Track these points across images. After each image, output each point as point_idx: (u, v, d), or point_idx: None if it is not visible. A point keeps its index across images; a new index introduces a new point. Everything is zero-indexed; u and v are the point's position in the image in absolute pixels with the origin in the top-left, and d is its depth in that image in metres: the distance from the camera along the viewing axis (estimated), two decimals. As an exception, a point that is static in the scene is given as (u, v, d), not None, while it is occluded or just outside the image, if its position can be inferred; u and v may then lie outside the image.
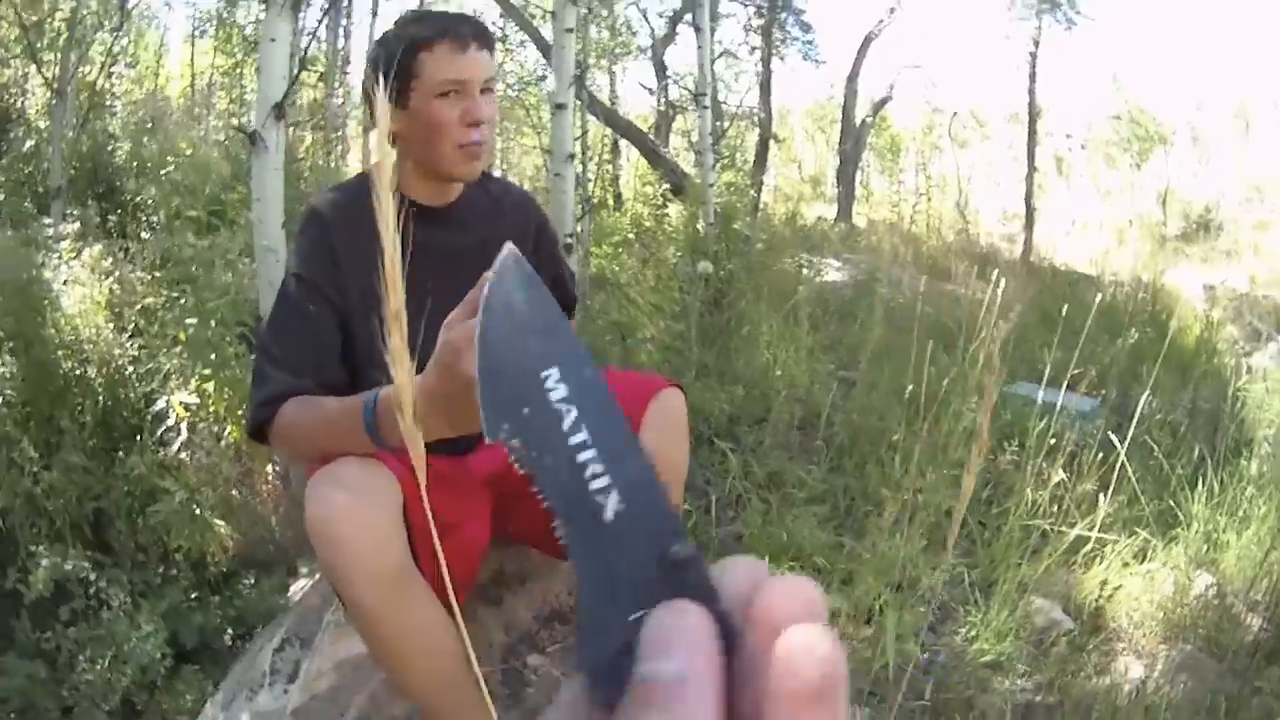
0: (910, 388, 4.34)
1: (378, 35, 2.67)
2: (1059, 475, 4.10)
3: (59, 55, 10.24)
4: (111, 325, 5.08)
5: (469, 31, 2.33)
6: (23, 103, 11.54)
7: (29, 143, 10.45)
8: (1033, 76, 18.41)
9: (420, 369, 1.69)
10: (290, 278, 2.32)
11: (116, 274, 5.56)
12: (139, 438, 4.35)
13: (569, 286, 2.92)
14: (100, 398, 4.70)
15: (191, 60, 18.69)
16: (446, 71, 2.30)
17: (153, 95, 16.73)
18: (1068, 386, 4.76)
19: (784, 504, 4.14)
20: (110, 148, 10.70)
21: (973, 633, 3.43)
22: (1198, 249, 22.35)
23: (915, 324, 6.48)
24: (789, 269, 8.78)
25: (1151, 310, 9.69)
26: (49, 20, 10.59)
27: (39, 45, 10.29)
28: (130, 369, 4.77)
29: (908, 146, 33.34)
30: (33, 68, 10.03)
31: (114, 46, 12.45)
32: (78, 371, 4.79)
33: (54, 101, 9.39)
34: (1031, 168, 18.56)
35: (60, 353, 4.82)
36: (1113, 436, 4.21)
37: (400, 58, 2.29)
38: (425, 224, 2.32)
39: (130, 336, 4.98)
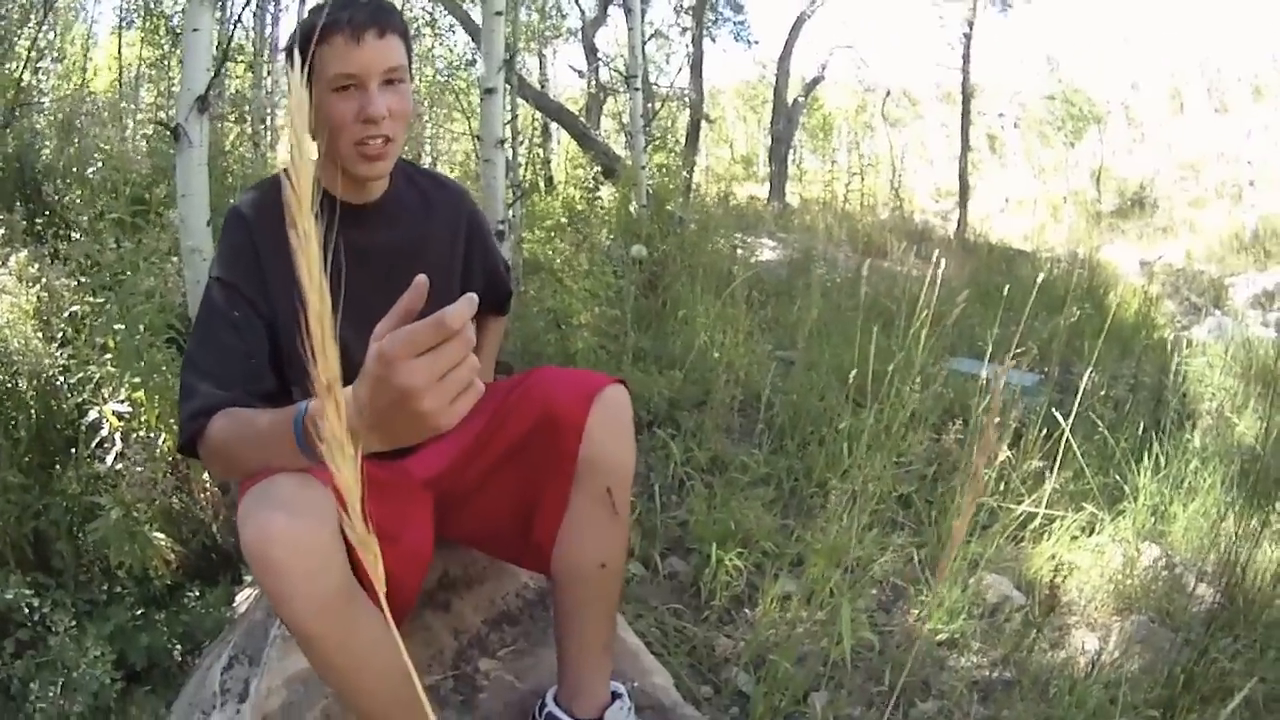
0: (854, 371, 4.28)
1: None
2: (1005, 452, 4.06)
3: None
4: (40, 334, 4.93)
5: (364, 19, 2.14)
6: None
7: None
8: (966, 57, 18.62)
9: (349, 377, 1.60)
10: (213, 282, 2.20)
11: (43, 280, 5.41)
12: (74, 451, 4.22)
13: (504, 278, 2.87)
14: (33, 411, 4.55)
15: (119, 53, 18.41)
16: (340, 65, 2.13)
17: (79, 90, 16.49)
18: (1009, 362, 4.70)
19: (728, 488, 4.06)
20: (36, 147, 10.42)
21: (925, 612, 3.38)
22: (1133, 225, 22.74)
23: (854, 302, 6.50)
24: (723, 250, 8.71)
25: (1089, 286, 9.74)
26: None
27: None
28: (61, 379, 4.60)
29: (840, 126, 33.64)
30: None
31: (39, 41, 12.28)
32: (9, 385, 4.66)
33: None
34: (965, 145, 18.73)
35: (-11, 366, 4.68)
36: (1056, 413, 4.16)
37: (300, 47, 2.12)
38: (350, 223, 2.27)
39: (59, 345, 4.81)
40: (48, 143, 10.84)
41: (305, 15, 2.34)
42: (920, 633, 3.29)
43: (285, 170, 1.49)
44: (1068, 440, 4.06)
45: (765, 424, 4.74)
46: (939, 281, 4.33)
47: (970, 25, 18.60)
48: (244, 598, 3.43)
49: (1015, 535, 3.94)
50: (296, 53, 2.00)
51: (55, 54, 15.30)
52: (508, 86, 7.27)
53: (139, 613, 3.73)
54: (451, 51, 16.20)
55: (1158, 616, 3.51)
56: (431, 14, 15.92)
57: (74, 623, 3.55)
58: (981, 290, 8.10)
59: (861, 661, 3.13)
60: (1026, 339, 4.78)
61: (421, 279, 1.54)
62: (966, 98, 19.03)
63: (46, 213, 8.54)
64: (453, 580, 2.81)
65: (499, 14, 5.43)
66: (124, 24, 18.07)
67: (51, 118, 11.88)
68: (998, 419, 4.19)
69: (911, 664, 3.12)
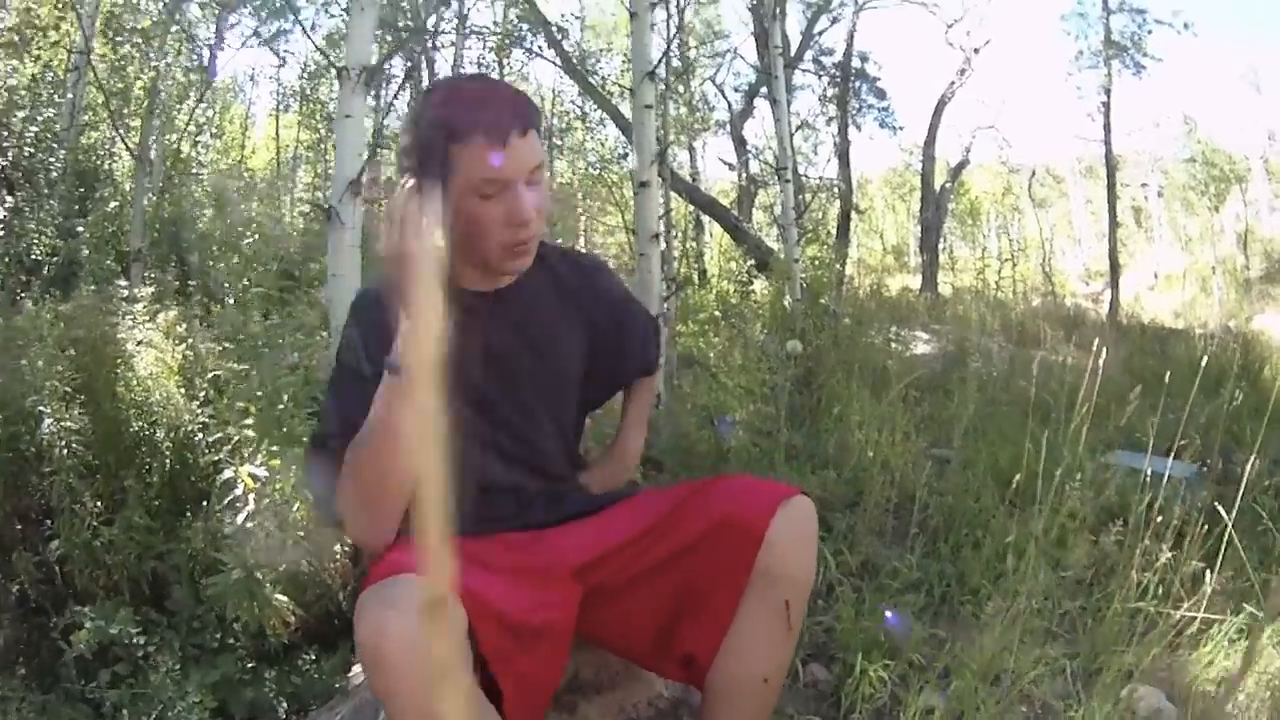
0: (1012, 471, 4.19)
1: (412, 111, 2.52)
2: (1166, 554, 3.94)
3: (142, 121, 10.58)
4: (182, 391, 5.17)
5: (508, 121, 2.08)
6: (110, 165, 11.79)
7: (113, 203, 10.69)
8: (1107, 127, 18.27)
9: (470, 463, 1.71)
10: (337, 364, 2.37)
11: (190, 341, 5.62)
12: (205, 504, 4.37)
13: (647, 336, 2.81)
14: (168, 461, 4.78)
15: (276, 134, 19.12)
16: (484, 171, 2.07)
17: (236, 166, 17.03)
18: (1169, 453, 4.57)
19: (877, 593, 4.04)
20: (192, 215, 11.10)
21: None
22: None
23: (1010, 396, 6.41)
24: (878, 344, 8.67)
25: (1244, 362, 9.43)
26: (131, 87, 10.88)
27: (125, 111, 10.72)
28: (200, 436, 4.83)
29: (987, 210, 33.21)
30: (118, 133, 10.23)
31: (198, 116, 12.81)
32: (146, 432, 4.88)
33: (137, 166, 9.65)
34: (1113, 221, 18.34)
35: (130, 412, 4.93)
36: (1219, 506, 3.98)
37: (436, 144, 2.07)
38: (479, 311, 2.31)
39: (201, 404, 5.03)
40: (204, 212, 11.41)
41: (418, 106, 2.26)
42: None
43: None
44: (1229, 537, 3.86)
45: (919, 526, 4.62)
46: (1098, 371, 4.23)
47: (1107, 93, 18.31)
48: (359, 670, 3.36)
49: (1172, 643, 3.74)
50: (416, 153, 2.10)
51: (213, 129, 15.93)
52: (661, 180, 7.36)
53: (249, 666, 3.89)
54: (603, 145, 16.42)
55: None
56: (582, 108, 16.14)
57: (179, 666, 3.70)
58: (1137, 376, 7.93)
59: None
60: (1186, 427, 4.60)
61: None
62: (1111, 170, 18.68)
63: (200, 276, 8.90)
64: (582, 684, 2.73)
65: (649, 107, 5.57)
66: (281, 107, 18.66)
67: (207, 190, 12.53)
68: (1159, 517, 4.05)
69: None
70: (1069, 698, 3.46)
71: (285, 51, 17.75)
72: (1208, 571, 3.87)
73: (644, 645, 2.42)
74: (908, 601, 4.02)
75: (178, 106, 12.27)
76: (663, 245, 6.58)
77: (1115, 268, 18.12)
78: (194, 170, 12.64)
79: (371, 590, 1.89)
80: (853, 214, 19.32)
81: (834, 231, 17.85)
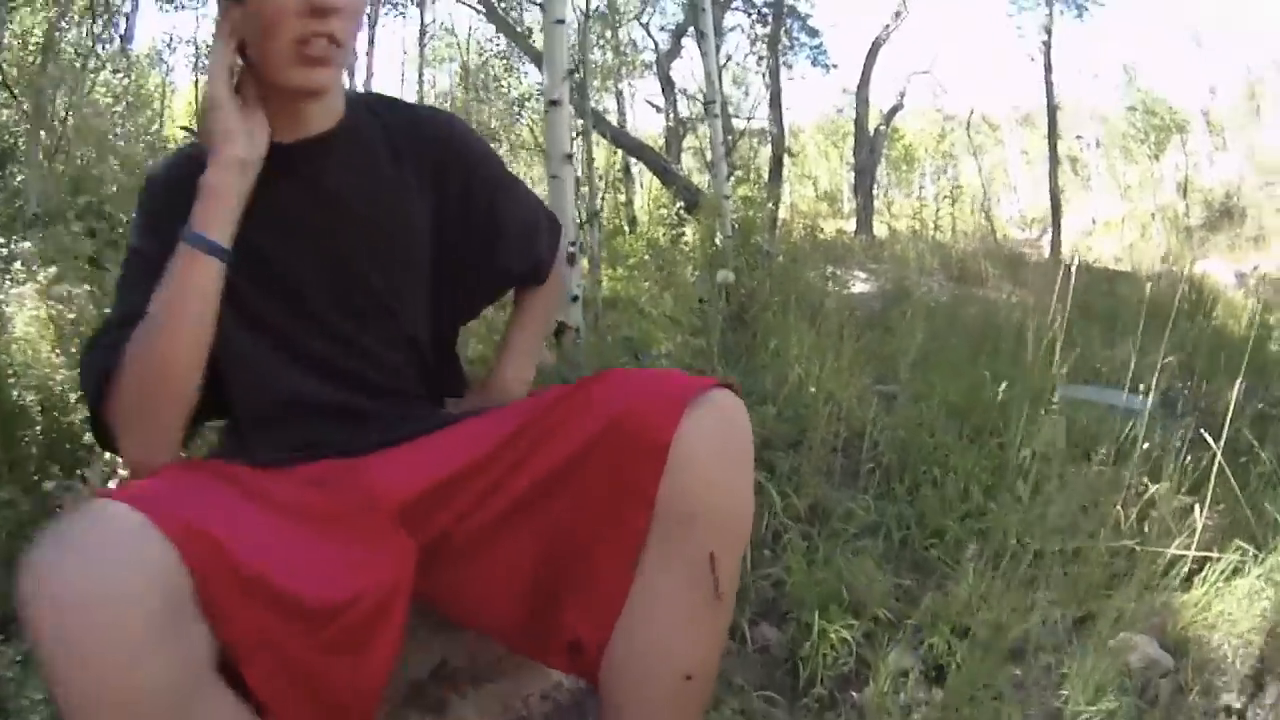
0: (968, 404, 3.86)
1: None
2: (1152, 488, 3.59)
3: (33, 81, 10.81)
4: (56, 351, 4.70)
5: None
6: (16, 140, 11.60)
7: (20, 177, 10.35)
8: (1048, 67, 18.33)
9: (306, 322, 1.60)
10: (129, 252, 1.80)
11: (67, 293, 5.19)
12: (79, 471, 3.94)
13: (533, 234, 2.16)
14: (39, 427, 4.30)
15: (195, 99, 19.22)
16: None
17: (156, 134, 16.85)
18: (1131, 388, 4.28)
19: (831, 541, 3.51)
20: (100, 174, 10.72)
21: (1064, 688, 2.87)
22: (1223, 237, 22.29)
23: (955, 331, 6.15)
24: (814, 282, 8.26)
25: (1195, 301, 9.27)
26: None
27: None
28: (73, 396, 4.38)
29: (922, 156, 33.62)
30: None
31: (115, 85, 13.54)
32: (21, 399, 4.42)
33: (30, 126, 9.93)
34: (1054, 160, 18.38)
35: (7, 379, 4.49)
36: (1205, 433, 3.68)
37: None
38: (286, 164, 1.75)
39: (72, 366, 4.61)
40: (118, 175, 11.28)
41: None
42: (1063, 715, 2.80)
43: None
44: (1219, 469, 3.56)
45: (871, 464, 4.19)
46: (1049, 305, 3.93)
47: (1049, 33, 18.37)
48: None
49: (1159, 584, 3.37)
50: None
51: (131, 98, 16.58)
52: (574, 101, 6.81)
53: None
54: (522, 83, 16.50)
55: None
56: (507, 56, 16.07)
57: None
58: (1087, 312, 7.70)
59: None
60: (1144, 361, 4.31)
61: None
62: (1052, 111, 18.79)
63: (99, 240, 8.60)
64: (452, 673, 1.98)
65: (560, 22, 5.02)
66: (200, 69, 19.00)
67: (122, 157, 12.46)
68: (1143, 447, 3.81)
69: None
70: (1059, 650, 3.01)
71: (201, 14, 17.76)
72: (1195, 505, 3.55)
73: (514, 624, 1.71)
74: (865, 548, 3.50)
75: (92, 76, 12.17)
76: (578, 171, 6.08)
77: (1057, 207, 18.17)
78: (111, 138, 12.42)
79: (53, 526, 1.27)
80: (785, 158, 19.10)
81: (766, 176, 17.48)
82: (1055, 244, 17.20)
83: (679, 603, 1.56)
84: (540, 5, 5.43)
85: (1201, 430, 3.77)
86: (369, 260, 1.85)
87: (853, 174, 22.85)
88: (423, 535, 1.64)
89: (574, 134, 5.86)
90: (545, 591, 1.64)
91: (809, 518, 3.80)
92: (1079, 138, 34.49)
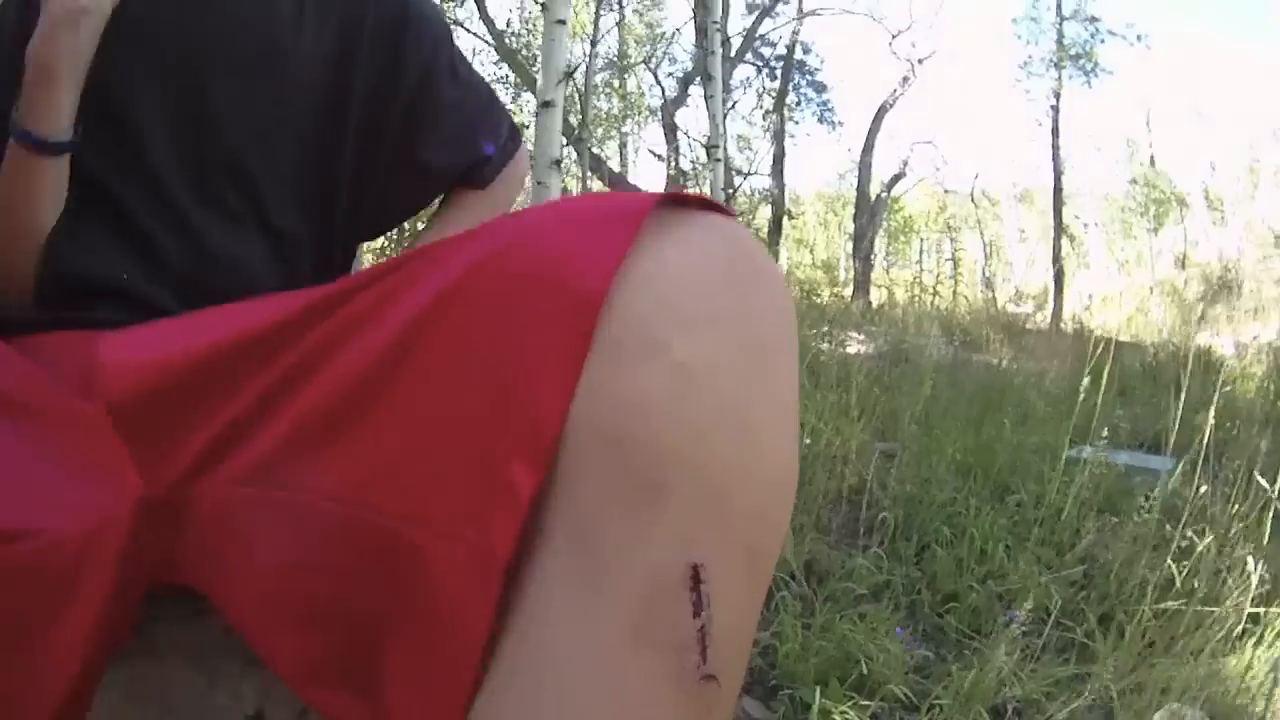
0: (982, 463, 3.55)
1: None
2: (1196, 540, 3.25)
3: None
4: None
5: None
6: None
7: None
8: (1055, 131, 18.20)
9: (127, 111, 1.23)
10: None
11: None
12: None
13: (477, 130, 1.60)
14: None
15: None
16: None
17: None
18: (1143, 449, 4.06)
19: (830, 602, 3.08)
20: None
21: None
22: (1221, 311, 22.24)
23: (956, 392, 5.90)
24: (809, 340, 8.06)
25: (1203, 367, 9.07)
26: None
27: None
28: None
29: (920, 228, 33.83)
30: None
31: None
32: None
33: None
34: (1059, 226, 18.24)
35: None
36: (1261, 480, 3.44)
37: None
38: None
39: None
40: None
41: None
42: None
43: None
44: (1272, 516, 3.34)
45: (872, 520, 3.78)
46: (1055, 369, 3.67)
47: (1057, 96, 18.32)
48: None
49: (1199, 648, 2.97)
50: None
51: None
52: (566, 102, 6.52)
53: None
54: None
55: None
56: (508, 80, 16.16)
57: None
58: (1094, 375, 7.47)
59: None
60: (1154, 424, 4.10)
61: None
62: (1058, 175, 18.66)
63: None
64: None
65: (561, 23, 4.90)
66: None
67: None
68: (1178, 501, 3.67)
69: None
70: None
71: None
72: (1250, 558, 3.22)
73: (300, 658, 0.84)
74: (871, 613, 3.05)
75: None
76: (563, 180, 5.83)
77: (1060, 274, 17.95)
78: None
79: None
80: (784, 220, 19.04)
81: (765, 235, 17.41)
82: (1057, 310, 17.08)
83: (612, 684, 0.66)
84: (542, 5, 5.34)
85: (1255, 472, 3.53)
86: (223, 99, 1.33)
87: (850, 242, 22.85)
88: (160, 470, 0.86)
89: (564, 143, 5.65)
90: (354, 617, 0.80)
91: (805, 577, 3.37)
92: (1077, 218, 34.72)
